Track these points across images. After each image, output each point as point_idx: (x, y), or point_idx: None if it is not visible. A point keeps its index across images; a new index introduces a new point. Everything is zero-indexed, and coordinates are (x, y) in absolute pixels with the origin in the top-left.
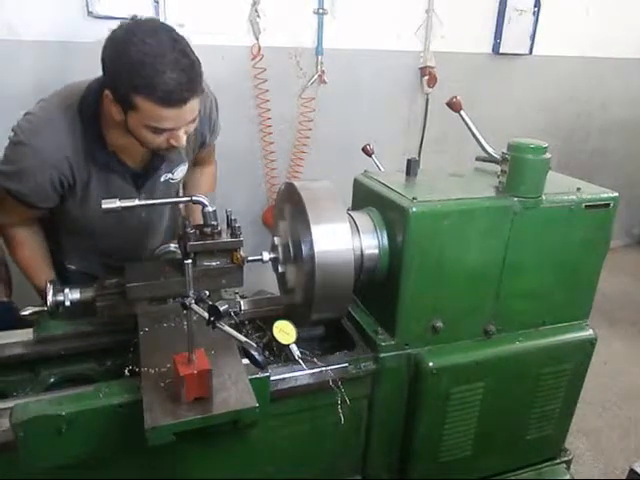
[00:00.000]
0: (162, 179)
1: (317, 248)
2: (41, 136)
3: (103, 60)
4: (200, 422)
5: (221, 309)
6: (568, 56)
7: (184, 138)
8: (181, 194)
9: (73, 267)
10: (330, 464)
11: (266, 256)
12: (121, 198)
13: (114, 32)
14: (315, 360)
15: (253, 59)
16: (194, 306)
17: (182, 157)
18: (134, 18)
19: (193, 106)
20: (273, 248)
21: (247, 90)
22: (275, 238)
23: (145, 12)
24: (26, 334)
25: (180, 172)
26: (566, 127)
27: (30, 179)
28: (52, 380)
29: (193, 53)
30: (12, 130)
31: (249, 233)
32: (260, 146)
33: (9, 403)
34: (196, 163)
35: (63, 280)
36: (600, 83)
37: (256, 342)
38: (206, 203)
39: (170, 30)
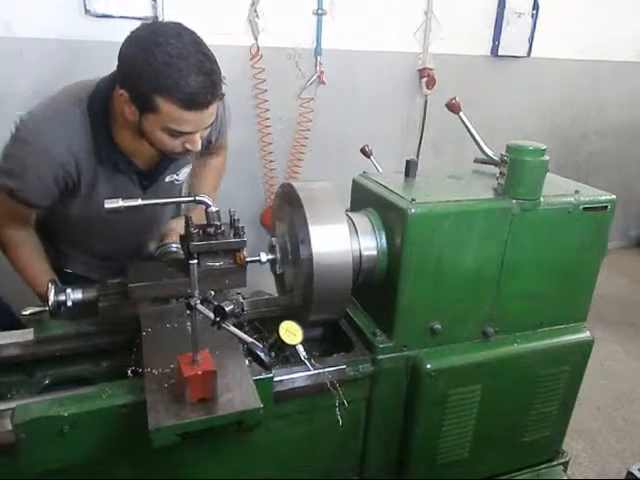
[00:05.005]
0: (167, 179)
1: (315, 249)
2: (47, 133)
3: (121, 58)
4: (204, 423)
5: (227, 309)
6: (566, 59)
7: (199, 142)
8: (184, 192)
9: (70, 271)
10: (328, 465)
11: (264, 257)
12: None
13: (135, 31)
14: (313, 362)
15: (252, 59)
16: (199, 306)
17: (188, 159)
18: (155, 21)
19: (213, 110)
20: (271, 249)
21: (246, 90)
22: (273, 239)
23: (143, 11)
24: (21, 335)
25: (184, 173)
26: (564, 129)
27: (33, 177)
28: (47, 381)
29: (213, 56)
30: (15, 126)
31: (247, 233)
32: (259, 146)
33: (10, 404)
34: (204, 153)
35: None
36: (597, 86)
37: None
38: (210, 203)
39: (192, 32)
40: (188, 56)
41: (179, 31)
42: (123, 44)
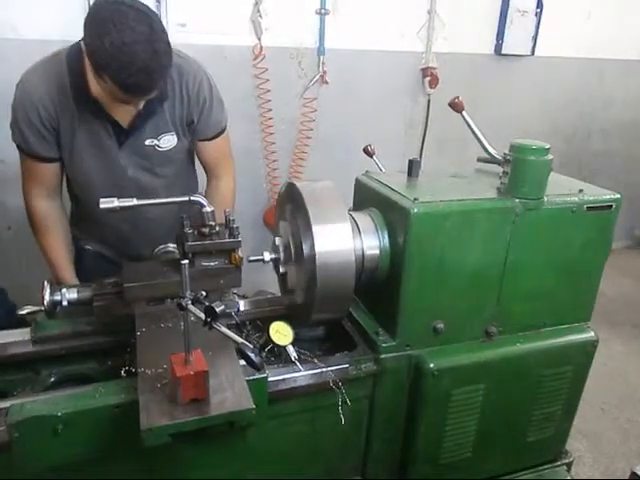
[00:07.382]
0: (147, 143)
1: (318, 248)
2: (29, 81)
3: (84, 26)
4: (196, 423)
5: (217, 310)
6: (570, 57)
7: (142, 104)
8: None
9: (91, 248)
10: (331, 465)
11: (267, 256)
12: (103, 149)
13: (100, 4)
14: (315, 361)
15: (255, 59)
16: (190, 307)
17: (168, 126)
18: None
19: (153, 93)
20: (274, 248)
21: (248, 90)
22: (276, 238)
23: None
24: (26, 333)
25: (167, 142)
26: (568, 128)
27: (25, 122)
28: (52, 379)
29: (167, 47)
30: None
31: (250, 233)
32: (261, 146)
33: (6, 403)
34: (209, 172)
35: (81, 260)
36: (602, 84)
37: (255, 343)
38: (204, 203)
39: (150, 19)
40: (137, 51)
41: (140, 17)
42: (89, 12)
